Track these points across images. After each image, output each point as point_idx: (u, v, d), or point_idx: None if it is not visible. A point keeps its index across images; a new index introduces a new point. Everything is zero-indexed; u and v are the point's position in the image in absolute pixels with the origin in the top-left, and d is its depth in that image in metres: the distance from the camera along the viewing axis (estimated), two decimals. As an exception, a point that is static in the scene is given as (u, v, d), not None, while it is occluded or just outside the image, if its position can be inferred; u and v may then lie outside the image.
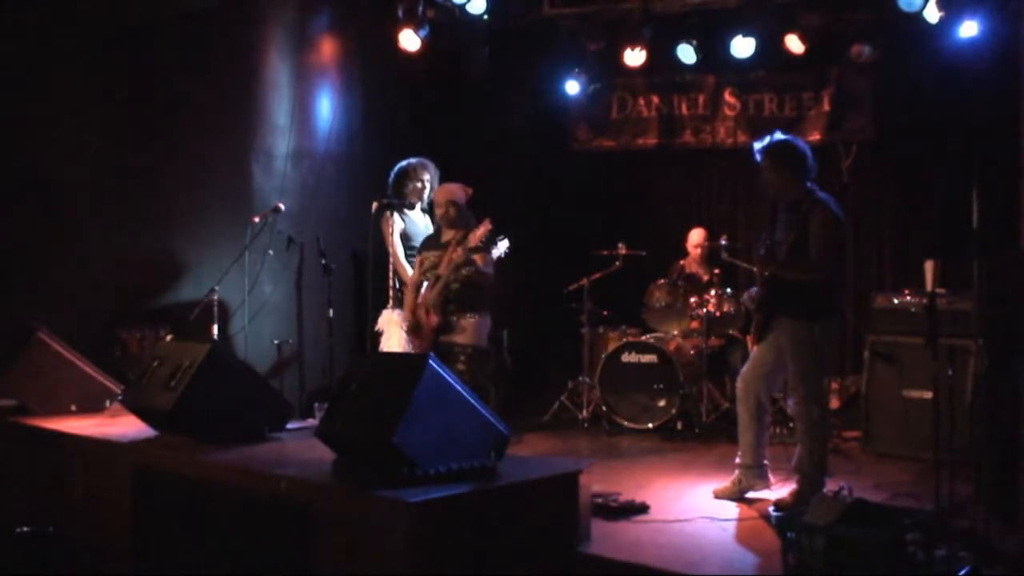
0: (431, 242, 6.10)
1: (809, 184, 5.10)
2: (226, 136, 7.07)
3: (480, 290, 5.86)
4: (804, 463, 5.07)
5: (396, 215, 6.42)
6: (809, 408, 5.05)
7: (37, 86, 6.11)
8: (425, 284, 5.96)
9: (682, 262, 8.10)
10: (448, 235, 5.96)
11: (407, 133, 8.01)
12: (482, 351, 5.94)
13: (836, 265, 5.10)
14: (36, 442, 5.35)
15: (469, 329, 5.82)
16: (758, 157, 5.19)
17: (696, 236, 8.10)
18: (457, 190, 6.00)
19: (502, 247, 6.16)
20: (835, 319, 5.18)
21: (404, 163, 6.55)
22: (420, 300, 5.93)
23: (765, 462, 5.24)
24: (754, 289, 5.31)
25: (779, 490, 5.22)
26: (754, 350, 5.28)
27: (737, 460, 5.25)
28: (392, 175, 6.54)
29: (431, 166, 6.54)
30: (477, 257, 5.78)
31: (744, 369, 5.32)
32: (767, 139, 5.19)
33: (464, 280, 5.78)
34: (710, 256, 8.00)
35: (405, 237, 6.44)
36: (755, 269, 5.42)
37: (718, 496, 5.21)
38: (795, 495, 4.99)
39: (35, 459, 5.36)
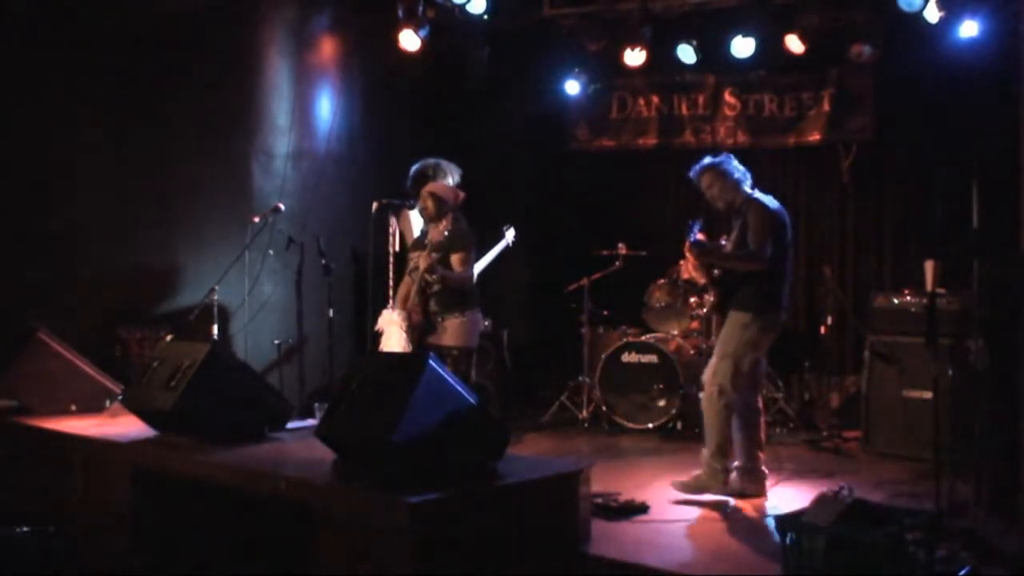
0: (417, 242, 6.04)
1: (749, 189, 5.36)
2: (226, 136, 7.07)
3: (459, 290, 5.75)
4: (704, 452, 5.19)
5: (416, 214, 6.33)
6: (715, 393, 5.13)
7: (36, 87, 6.11)
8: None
9: (681, 263, 8.07)
10: (431, 232, 5.87)
11: (407, 133, 8.01)
12: (469, 352, 5.81)
13: (776, 256, 5.18)
14: (36, 442, 5.35)
15: (452, 330, 5.71)
16: (700, 182, 5.47)
17: None
18: (444, 187, 5.91)
19: (509, 236, 6.12)
20: (778, 313, 5.26)
21: (423, 162, 6.15)
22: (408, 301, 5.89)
23: (763, 468, 5.26)
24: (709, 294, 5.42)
25: (776, 490, 5.22)
26: None
27: (736, 463, 5.26)
28: (412, 172, 6.15)
29: (454, 168, 6.14)
30: (454, 258, 5.70)
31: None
32: (696, 166, 5.51)
33: (440, 281, 5.68)
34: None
35: None
36: (696, 273, 5.52)
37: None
38: (695, 478, 5.16)
39: (35, 459, 5.36)
